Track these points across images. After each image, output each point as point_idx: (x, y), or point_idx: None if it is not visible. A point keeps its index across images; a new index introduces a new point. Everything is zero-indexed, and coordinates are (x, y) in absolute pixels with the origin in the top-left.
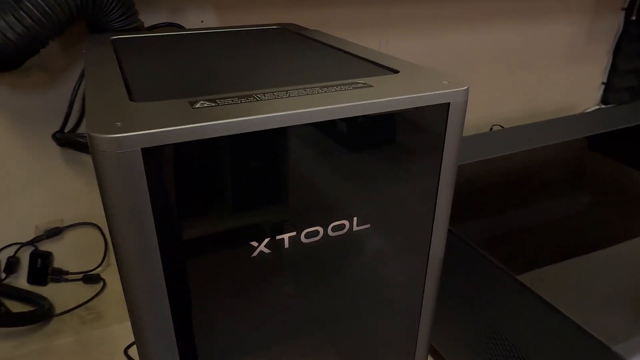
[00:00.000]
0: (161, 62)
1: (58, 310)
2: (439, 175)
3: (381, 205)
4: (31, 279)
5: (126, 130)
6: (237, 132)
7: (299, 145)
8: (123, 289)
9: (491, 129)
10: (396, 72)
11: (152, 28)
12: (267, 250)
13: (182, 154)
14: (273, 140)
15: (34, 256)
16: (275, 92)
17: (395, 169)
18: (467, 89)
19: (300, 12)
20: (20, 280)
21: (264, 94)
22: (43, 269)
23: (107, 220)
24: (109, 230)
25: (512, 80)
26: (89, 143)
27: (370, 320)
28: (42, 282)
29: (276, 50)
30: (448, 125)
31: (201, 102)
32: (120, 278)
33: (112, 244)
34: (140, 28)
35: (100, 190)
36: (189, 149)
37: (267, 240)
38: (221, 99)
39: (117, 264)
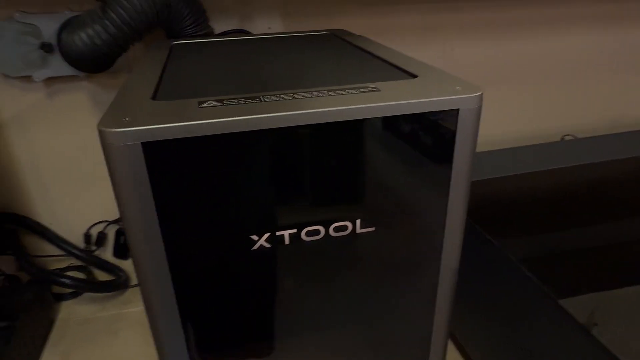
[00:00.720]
0: (202, 65)
1: (133, 282)
2: (449, 185)
3: (387, 210)
4: (115, 253)
5: (129, 126)
6: (227, 132)
7: (297, 147)
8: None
9: (562, 138)
10: (415, 76)
11: (222, 34)
12: (267, 245)
13: (179, 148)
14: (273, 140)
15: (119, 233)
16: (282, 94)
17: (404, 175)
18: (480, 96)
19: (365, 19)
20: (107, 254)
21: (270, 95)
22: (125, 245)
23: (118, 208)
24: (121, 218)
25: (589, 88)
26: (99, 136)
27: (380, 326)
28: (124, 256)
29: (312, 55)
30: (458, 132)
31: (209, 102)
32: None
33: (125, 231)
34: (210, 34)
35: (110, 180)
36: (184, 144)
37: (267, 235)
38: (228, 99)
39: (130, 250)
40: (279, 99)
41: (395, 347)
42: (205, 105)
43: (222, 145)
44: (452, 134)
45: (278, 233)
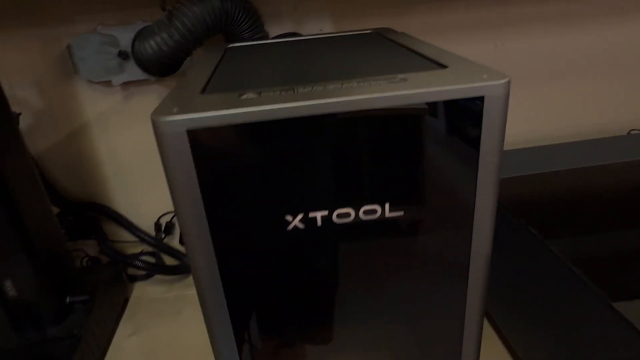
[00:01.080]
0: (250, 64)
1: None
2: (477, 172)
3: (415, 195)
4: (181, 241)
5: (176, 115)
6: (259, 120)
7: (325, 134)
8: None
9: (629, 133)
10: (445, 67)
11: (275, 38)
12: (301, 226)
13: (219, 135)
14: (302, 127)
15: None
16: (315, 86)
17: (431, 162)
18: (506, 83)
19: (412, 17)
20: (174, 241)
21: (304, 87)
22: None
23: (170, 193)
24: (172, 201)
25: None
26: (152, 125)
27: (409, 316)
28: None
29: (352, 52)
30: (484, 120)
31: (247, 94)
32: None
33: (175, 212)
34: (265, 38)
35: (162, 166)
36: (224, 131)
37: (300, 216)
38: (266, 91)
39: (181, 231)
40: (311, 90)
41: (427, 338)
42: (244, 97)
43: (255, 131)
44: (479, 122)
45: (311, 215)
